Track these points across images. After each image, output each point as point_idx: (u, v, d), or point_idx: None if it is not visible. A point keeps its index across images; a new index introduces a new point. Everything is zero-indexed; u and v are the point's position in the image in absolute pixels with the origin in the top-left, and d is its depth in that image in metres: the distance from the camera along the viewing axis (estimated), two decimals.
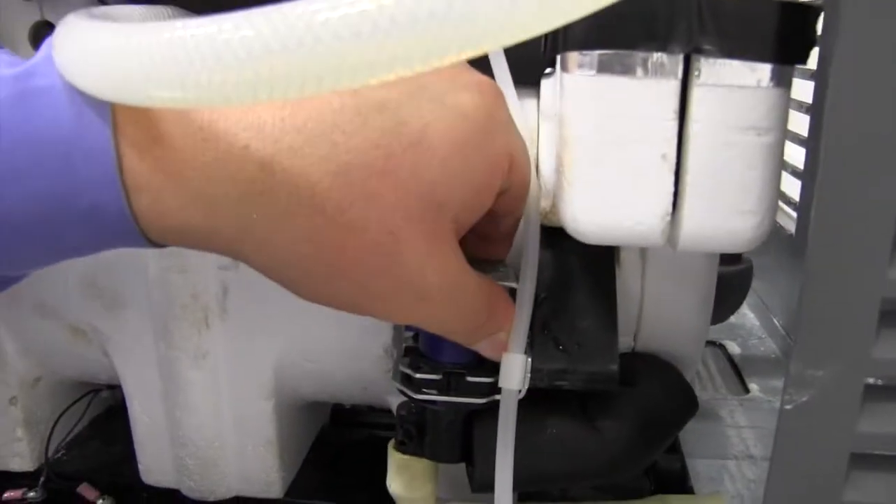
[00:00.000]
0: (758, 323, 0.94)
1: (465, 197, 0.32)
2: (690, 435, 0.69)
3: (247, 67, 0.20)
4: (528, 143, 0.45)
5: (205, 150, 0.27)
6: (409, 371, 0.43)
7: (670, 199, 0.35)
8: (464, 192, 0.31)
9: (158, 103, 0.23)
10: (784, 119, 0.35)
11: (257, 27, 0.20)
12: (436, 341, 0.43)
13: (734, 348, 0.89)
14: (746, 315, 0.96)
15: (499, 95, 0.34)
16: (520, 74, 0.48)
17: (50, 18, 0.52)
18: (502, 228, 0.39)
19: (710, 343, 0.90)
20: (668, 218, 0.36)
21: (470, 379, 0.42)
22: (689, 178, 0.35)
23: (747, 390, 0.81)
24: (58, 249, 0.30)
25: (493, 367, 0.41)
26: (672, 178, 0.35)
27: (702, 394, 0.81)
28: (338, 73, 0.20)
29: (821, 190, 0.32)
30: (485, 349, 0.39)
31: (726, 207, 0.35)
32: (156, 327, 0.52)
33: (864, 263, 0.33)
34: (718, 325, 0.89)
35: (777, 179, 0.36)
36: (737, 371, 0.85)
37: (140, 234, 0.28)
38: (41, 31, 0.52)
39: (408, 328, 0.45)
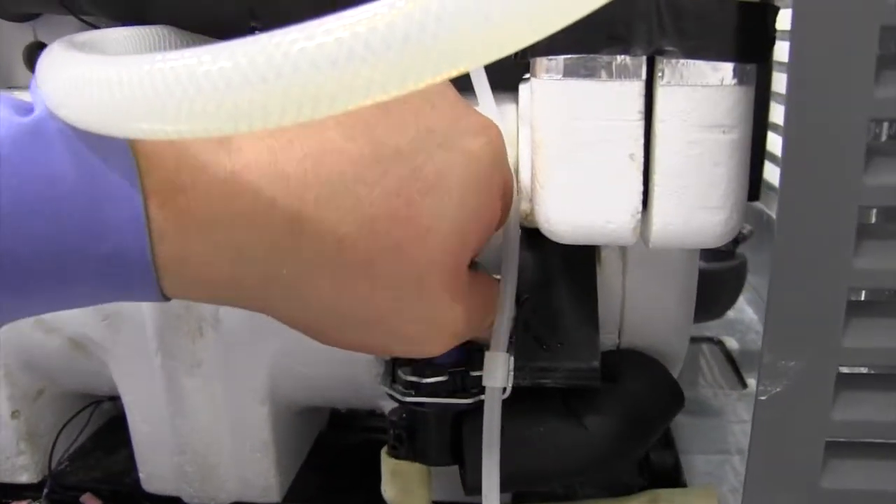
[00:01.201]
0: (756, 318, 0.95)
1: (481, 233, 0.33)
2: (688, 430, 0.70)
3: (226, 98, 0.21)
4: (508, 148, 0.47)
5: (231, 201, 0.27)
6: (415, 378, 0.44)
7: (640, 197, 0.36)
8: (479, 228, 0.32)
9: (141, 135, 0.23)
10: (749, 116, 0.36)
11: (236, 58, 0.21)
12: None
13: (732, 344, 0.89)
14: (744, 310, 0.96)
15: (499, 133, 0.35)
16: (500, 79, 0.49)
17: (44, 39, 0.53)
18: None
19: (708, 339, 0.91)
20: (639, 216, 0.36)
21: (474, 374, 0.44)
22: (658, 176, 0.36)
23: (745, 385, 0.81)
24: (65, 297, 0.29)
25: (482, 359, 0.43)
26: (640, 177, 0.36)
27: (700, 389, 0.82)
28: (316, 100, 0.20)
29: (785, 180, 0.33)
30: (480, 335, 0.40)
31: (695, 204, 0.36)
32: (152, 338, 0.53)
33: (830, 253, 0.33)
34: (716, 321, 0.89)
35: (744, 175, 0.36)
36: (735, 366, 0.85)
37: (156, 283, 0.27)
38: (35, 53, 0.53)
39: None
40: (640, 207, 0.36)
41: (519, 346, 0.44)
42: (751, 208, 0.73)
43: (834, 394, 0.35)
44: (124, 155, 0.26)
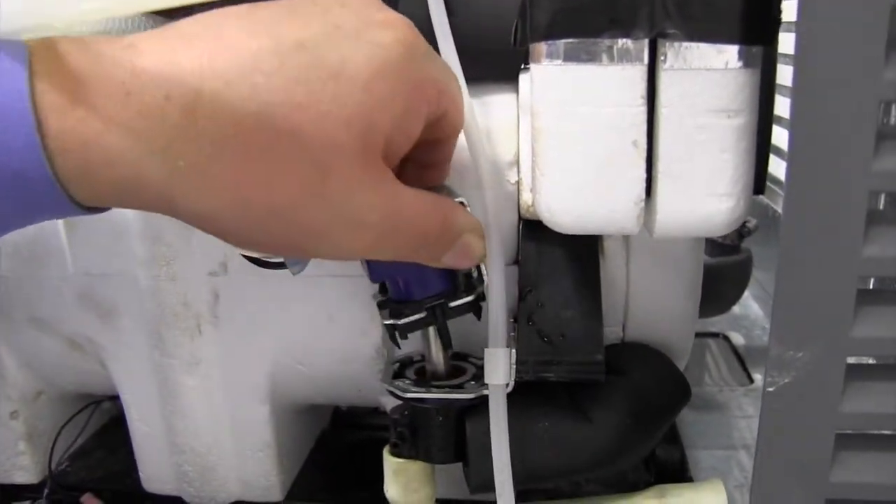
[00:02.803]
0: (762, 313, 0.94)
1: (393, 121, 0.32)
2: (695, 426, 0.69)
3: None
4: (508, 139, 0.46)
5: (127, 104, 0.27)
6: (393, 321, 0.43)
7: (643, 185, 0.35)
8: (391, 115, 0.31)
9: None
10: (755, 100, 0.35)
11: None
12: (406, 282, 0.42)
13: (738, 339, 0.88)
14: (750, 306, 0.95)
15: (413, 29, 0.34)
16: (500, 70, 0.49)
17: None
18: (439, 155, 0.39)
19: (714, 335, 0.90)
20: (642, 204, 0.36)
21: (452, 304, 0.42)
22: (661, 163, 0.35)
23: (752, 380, 0.80)
24: None
25: (468, 285, 0.42)
26: (644, 165, 0.35)
27: (706, 385, 0.81)
28: None
29: (792, 170, 0.32)
30: (453, 261, 0.37)
31: (700, 191, 0.35)
32: (149, 336, 0.53)
33: (838, 242, 0.32)
34: (722, 317, 0.89)
35: (750, 161, 0.36)
36: (741, 362, 0.84)
37: (69, 199, 0.28)
38: None
39: (374, 280, 0.44)
40: (643, 195, 0.36)
41: (521, 339, 0.43)
42: (756, 203, 0.73)
43: (843, 385, 0.35)
44: (16, 73, 0.26)
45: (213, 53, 0.28)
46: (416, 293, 0.42)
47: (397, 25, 0.32)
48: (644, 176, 0.35)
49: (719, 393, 0.77)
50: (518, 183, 0.46)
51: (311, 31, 0.30)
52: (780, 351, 0.34)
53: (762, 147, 0.39)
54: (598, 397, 0.45)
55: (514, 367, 0.42)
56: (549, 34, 0.34)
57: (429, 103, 0.33)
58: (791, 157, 0.32)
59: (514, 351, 0.42)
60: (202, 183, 0.29)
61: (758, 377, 0.80)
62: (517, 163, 0.46)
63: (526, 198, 0.45)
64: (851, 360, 0.35)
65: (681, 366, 0.50)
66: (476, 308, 0.43)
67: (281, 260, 0.42)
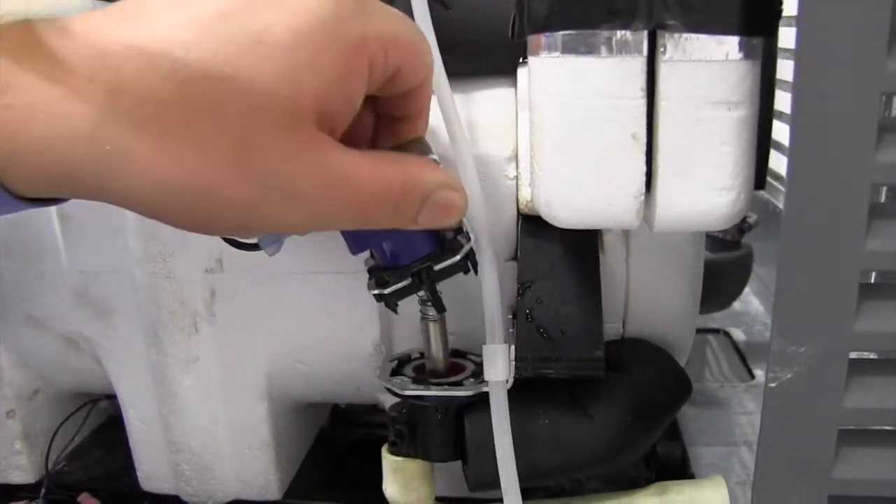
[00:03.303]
0: (762, 309, 0.94)
1: (325, 85, 0.30)
2: (696, 423, 0.69)
3: None
4: (507, 133, 0.45)
5: (50, 91, 0.27)
6: (378, 290, 0.41)
7: (643, 178, 0.35)
8: (321, 79, 0.30)
9: None
10: (755, 92, 0.34)
11: None
12: (391, 248, 0.41)
13: (739, 335, 0.88)
14: (751, 302, 0.95)
15: None
16: (498, 64, 0.48)
17: None
18: (413, 106, 0.37)
19: (715, 331, 0.90)
20: (642, 198, 0.35)
21: (437, 267, 0.40)
22: (661, 156, 0.34)
23: (753, 376, 0.80)
24: None
25: (452, 246, 0.40)
26: (643, 158, 0.35)
27: (706, 381, 0.81)
28: None
29: (794, 164, 0.32)
30: (430, 220, 0.35)
31: (701, 185, 0.35)
32: (146, 334, 0.52)
33: (840, 236, 0.32)
34: (723, 313, 0.88)
35: (751, 154, 0.35)
36: (742, 358, 0.84)
37: (4, 191, 0.28)
38: None
39: (355, 252, 0.41)
40: (643, 189, 0.35)
41: (520, 336, 0.42)
42: (756, 198, 0.72)
43: (846, 380, 0.34)
44: None
45: (136, 32, 0.28)
46: (402, 259, 0.40)
47: None
48: (644, 169, 0.35)
49: (720, 389, 0.77)
50: (517, 178, 0.45)
51: (230, 4, 0.29)
52: (782, 346, 0.34)
53: (762, 142, 0.38)
54: (599, 394, 0.45)
55: (514, 363, 0.42)
56: (547, 26, 0.34)
57: (373, 61, 0.32)
58: (792, 151, 0.31)
59: (513, 347, 0.42)
60: (129, 166, 0.28)
61: (759, 373, 0.80)
62: (516, 158, 0.45)
63: (525, 193, 0.45)
64: (854, 355, 0.34)
65: (682, 361, 0.50)
66: (465, 267, 0.41)
67: (255, 241, 0.41)
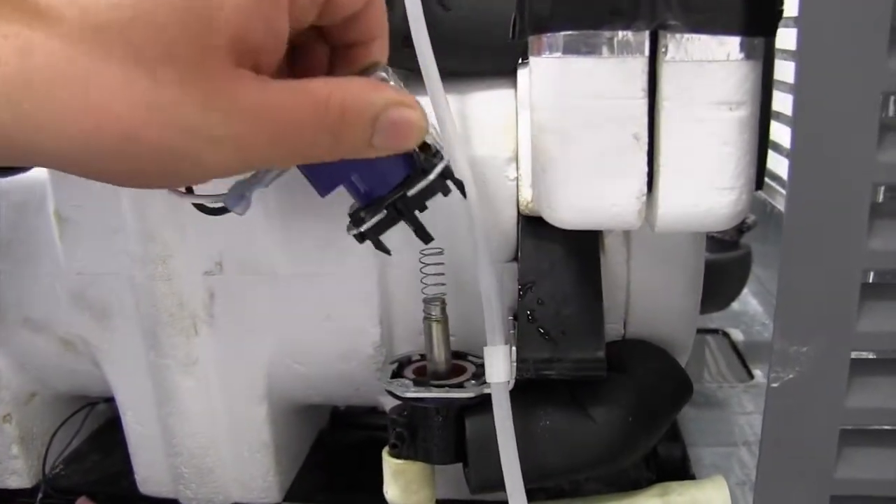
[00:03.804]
0: (761, 309, 0.93)
1: (239, 19, 0.29)
2: (695, 423, 0.69)
3: None
4: (507, 134, 0.45)
5: None
6: (356, 230, 0.39)
7: (644, 179, 0.35)
8: (235, 14, 0.29)
9: None
10: (756, 92, 0.34)
11: None
12: (362, 183, 0.38)
13: (738, 335, 0.88)
14: (749, 302, 0.95)
15: None
16: (498, 64, 0.48)
17: None
18: (361, 30, 0.36)
19: (714, 331, 0.90)
20: (644, 198, 0.35)
21: (411, 192, 0.38)
22: (663, 156, 0.34)
23: (752, 376, 0.80)
24: None
25: (424, 166, 0.37)
26: (645, 158, 0.35)
27: (706, 382, 0.81)
28: None
29: (795, 164, 0.32)
30: (387, 141, 0.33)
31: (702, 185, 0.35)
32: (145, 336, 0.52)
33: (841, 236, 0.32)
34: (721, 313, 0.88)
35: (752, 154, 0.35)
36: (741, 358, 0.84)
37: None
38: None
39: (323, 193, 0.38)
40: (644, 190, 0.35)
41: (521, 337, 0.42)
42: (754, 199, 0.72)
43: (848, 380, 0.34)
44: None
45: None
46: (377, 191, 0.38)
47: None
48: (645, 170, 0.35)
49: (719, 389, 0.77)
50: (517, 179, 0.45)
51: None
52: (784, 346, 0.34)
53: (760, 143, 0.38)
54: (600, 395, 0.45)
55: (515, 364, 0.42)
56: (548, 26, 0.34)
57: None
58: (794, 151, 0.31)
59: (514, 348, 0.42)
60: (49, 123, 0.28)
61: (758, 373, 0.80)
62: (516, 159, 0.45)
63: (525, 194, 0.45)
64: (855, 355, 0.34)
65: (682, 361, 0.50)
66: (442, 187, 0.38)
67: (221, 205, 0.38)
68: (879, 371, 0.35)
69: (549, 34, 0.34)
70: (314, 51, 0.36)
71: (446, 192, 0.38)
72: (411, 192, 0.38)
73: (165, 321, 0.51)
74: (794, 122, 0.31)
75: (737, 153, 0.34)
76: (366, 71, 0.36)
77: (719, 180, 0.35)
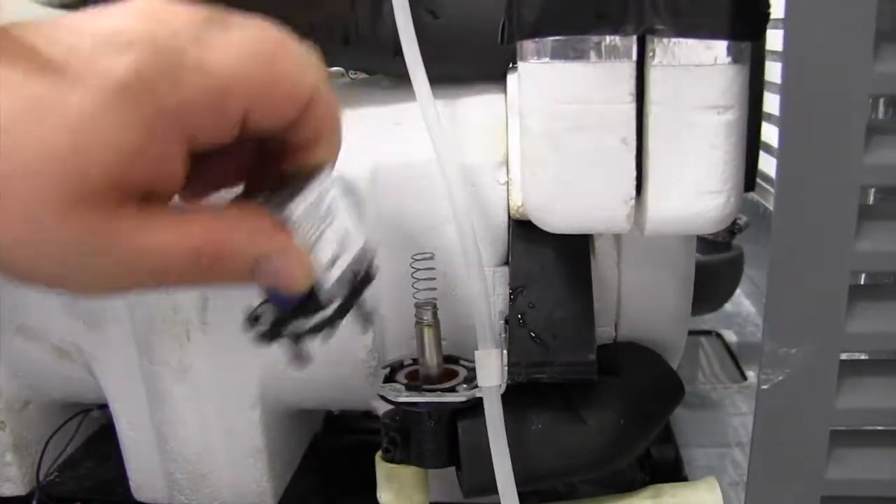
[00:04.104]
0: (754, 310, 0.94)
1: (121, 157, 0.28)
2: (689, 424, 0.69)
3: None
4: (497, 138, 0.46)
5: None
6: (247, 326, 0.36)
7: (633, 183, 0.35)
8: (115, 153, 0.28)
9: None
10: (744, 96, 0.35)
11: None
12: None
13: (731, 337, 0.88)
14: (742, 303, 0.95)
15: (166, 40, 0.29)
16: (488, 70, 0.48)
17: None
18: (307, 132, 0.34)
19: (707, 332, 0.90)
20: (633, 202, 0.35)
21: (290, 326, 0.35)
22: (651, 160, 0.35)
23: (745, 377, 0.80)
24: None
25: (321, 301, 0.35)
26: (633, 162, 0.35)
27: (700, 383, 0.81)
28: None
29: (783, 166, 0.32)
30: (265, 283, 0.33)
31: (691, 188, 0.35)
32: (138, 343, 0.52)
33: (830, 238, 0.32)
34: (715, 314, 0.88)
35: (741, 157, 0.35)
36: (734, 359, 0.84)
37: None
38: None
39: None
40: (633, 193, 0.35)
41: (513, 341, 0.43)
42: (746, 200, 0.72)
43: (838, 381, 0.34)
44: None
45: None
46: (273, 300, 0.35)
47: (137, 43, 0.29)
48: (634, 173, 0.35)
49: (713, 391, 0.77)
50: (508, 183, 0.45)
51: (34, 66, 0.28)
52: (774, 348, 0.34)
53: (752, 144, 0.39)
54: (592, 398, 0.45)
55: (507, 368, 0.42)
56: (537, 32, 0.34)
57: (198, 126, 0.30)
58: (782, 153, 0.32)
59: (505, 352, 0.42)
60: None
61: (751, 374, 0.80)
62: (506, 163, 0.45)
63: (516, 198, 0.45)
64: (845, 356, 0.35)
65: (674, 364, 0.50)
66: (334, 324, 0.36)
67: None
68: (869, 372, 0.36)
69: (536, 39, 0.34)
70: (226, 157, 0.34)
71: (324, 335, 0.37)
72: (291, 327, 0.36)
73: (159, 328, 0.51)
74: (781, 124, 0.31)
75: (725, 156, 0.34)
76: (305, 176, 0.34)
77: (708, 184, 0.35)
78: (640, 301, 0.47)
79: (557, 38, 0.34)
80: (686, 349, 0.53)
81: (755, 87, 0.37)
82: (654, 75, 0.34)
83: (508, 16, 0.36)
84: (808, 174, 0.31)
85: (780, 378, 0.34)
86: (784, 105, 0.31)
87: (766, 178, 0.83)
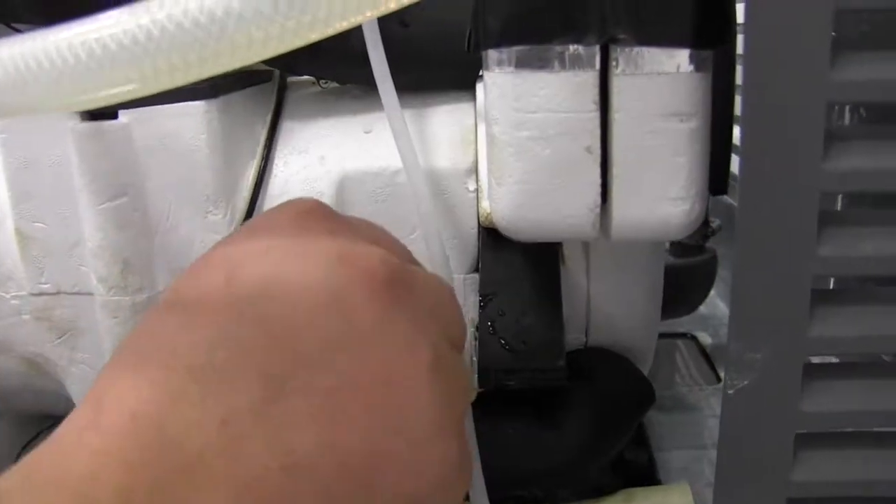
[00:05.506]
0: (728, 312, 0.94)
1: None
2: (665, 427, 0.69)
3: None
4: (467, 147, 0.46)
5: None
6: None
7: (598, 191, 0.35)
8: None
9: None
10: (707, 103, 0.35)
11: None
12: None
13: (706, 339, 0.89)
14: (717, 305, 0.95)
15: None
16: (459, 78, 0.48)
17: None
18: None
19: (682, 335, 0.90)
20: (598, 210, 0.36)
21: None
22: (616, 168, 0.35)
23: (720, 380, 0.80)
24: None
25: None
26: (598, 170, 0.35)
27: (677, 385, 0.81)
28: None
29: (745, 172, 0.32)
30: None
31: (655, 195, 0.35)
32: (111, 356, 0.52)
33: (792, 242, 0.33)
34: (690, 317, 0.89)
35: (705, 163, 0.36)
36: (709, 361, 0.85)
37: None
38: None
39: None
40: (598, 201, 0.35)
41: (483, 348, 0.43)
42: (720, 202, 0.73)
43: (802, 385, 0.35)
44: None
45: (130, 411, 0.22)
46: None
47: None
48: (599, 182, 0.35)
49: (689, 393, 0.77)
50: (477, 191, 0.46)
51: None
52: (739, 352, 0.34)
53: (723, 148, 0.39)
54: (564, 403, 0.45)
55: (477, 375, 0.42)
56: (501, 41, 0.34)
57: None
58: (743, 159, 0.32)
59: (475, 359, 0.42)
60: None
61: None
62: (475, 171, 0.46)
63: (485, 205, 0.45)
64: (817, 359, 0.35)
65: (644, 368, 0.50)
66: None
67: None
68: (833, 375, 0.36)
69: (501, 49, 0.34)
70: None
71: None
72: None
73: None
74: (742, 129, 0.31)
75: (689, 163, 0.35)
76: None
77: (672, 190, 0.35)
78: (609, 307, 0.48)
79: (522, 47, 0.34)
80: (663, 352, 0.54)
81: (727, 90, 0.38)
82: (617, 84, 0.34)
83: (474, 25, 0.36)
84: (769, 180, 0.32)
85: (746, 382, 0.35)
86: (745, 110, 0.31)
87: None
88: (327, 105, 0.51)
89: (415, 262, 0.32)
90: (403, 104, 0.42)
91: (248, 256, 0.26)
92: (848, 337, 0.34)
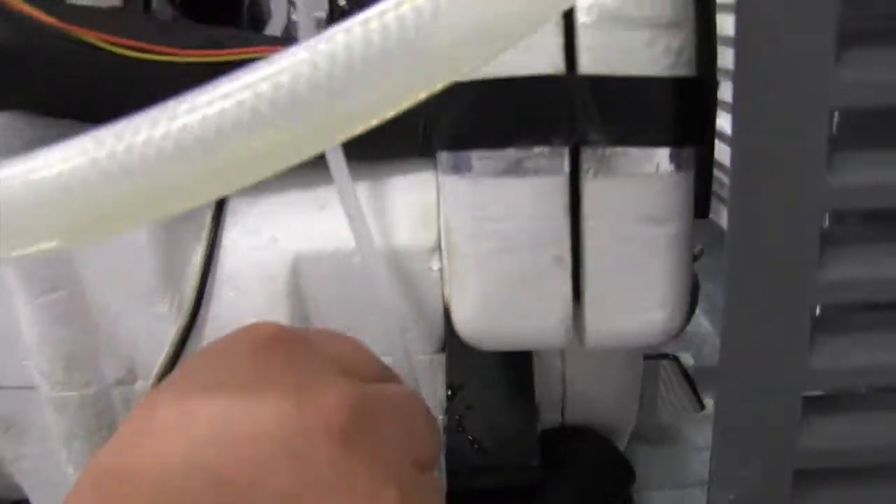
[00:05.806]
0: (711, 329, 0.92)
1: None
2: (644, 465, 0.67)
3: None
4: (428, 224, 0.42)
5: None
6: None
7: (569, 303, 0.32)
8: None
9: None
10: (688, 204, 0.32)
11: None
12: None
13: (688, 360, 0.86)
14: (700, 323, 0.93)
15: None
16: (419, 147, 0.45)
17: None
18: None
19: (664, 356, 0.88)
20: (570, 322, 0.33)
21: None
22: (589, 276, 0.32)
23: (703, 406, 0.78)
24: None
25: None
26: (569, 281, 0.32)
27: (658, 412, 0.79)
28: None
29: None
30: None
31: (632, 305, 0.32)
32: (59, 449, 0.48)
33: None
34: None
35: (685, 268, 0.33)
36: (692, 386, 0.82)
37: None
38: None
39: None
40: (570, 313, 0.32)
41: (451, 447, 0.40)
42: (700, 221, 0.70)
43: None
44: None
45: None
46: None
47: None
48: (570, 293, 0.32)
49: (669, 424, 0.75)
50: (441, 271, 0.42)
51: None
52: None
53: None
54: (541, 491, 0.43)
55: (444, 475, 0.39)
56: (458, 144, 0.31)
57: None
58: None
59: (442, 458, 0.39)
60: None
61: (709, 402, 0.78)
62: (439, 249, 0.42)
63: (448, 288, 0.42)
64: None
65: (621, 445, 0.48)
66: None
67: None
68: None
69: (458, 152, 0.31)
70: None
71: None
72: None
73: (81, 435, 0.47)
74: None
75: (668, 271, 0.32)
76: None
77: (650, 299, 0.32)
78: (585, 386, 0.45)
79: (481, 151, 0.31)
80: (645, 377, 0.51)
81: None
82: (589, 188, 0.31)
83: (425, 123, 0.32)
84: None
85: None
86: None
87: (720, 198, 0.81)
88: (278, 177, 0.47)
89: (384, 373, 0.30)
90: (358, 176, 0.38)
91: (197, 404, 0.24)
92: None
